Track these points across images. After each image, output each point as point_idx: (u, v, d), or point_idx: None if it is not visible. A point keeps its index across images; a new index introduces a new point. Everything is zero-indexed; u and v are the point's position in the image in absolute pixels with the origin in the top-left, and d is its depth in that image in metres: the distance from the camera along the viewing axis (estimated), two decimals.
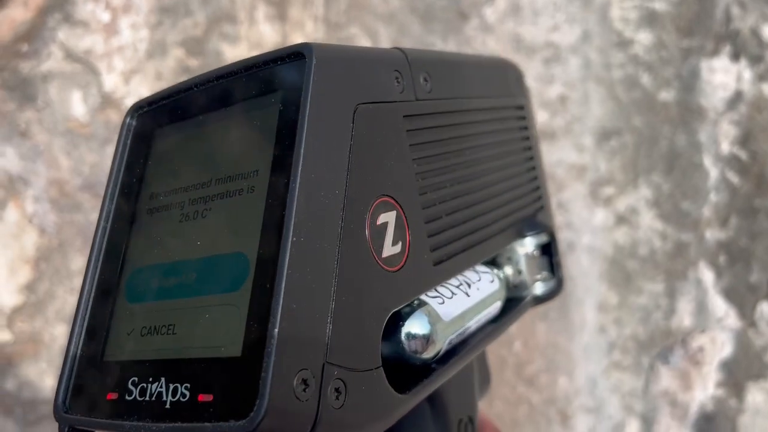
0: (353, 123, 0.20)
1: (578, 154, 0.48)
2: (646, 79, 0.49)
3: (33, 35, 0.45)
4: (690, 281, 0.49)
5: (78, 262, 0.45)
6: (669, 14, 0.48)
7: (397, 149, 0.21)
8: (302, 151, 0.19)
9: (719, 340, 0.48)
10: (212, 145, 0.22)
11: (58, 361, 0.44)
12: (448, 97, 0.24)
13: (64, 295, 0.44)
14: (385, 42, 0.46)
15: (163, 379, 0.19)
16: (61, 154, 0.45)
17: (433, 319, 0.21)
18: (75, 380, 0.21)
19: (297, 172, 0.19)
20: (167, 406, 0.19)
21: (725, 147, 0.49)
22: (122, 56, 0.45)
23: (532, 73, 0.47)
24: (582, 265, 0.48)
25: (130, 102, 0.45)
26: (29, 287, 0.45)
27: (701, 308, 0.49)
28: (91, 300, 0.22)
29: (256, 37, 0.46)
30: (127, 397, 0.19)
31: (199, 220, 0.21)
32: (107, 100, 0.45)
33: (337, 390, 0.18)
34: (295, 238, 0.18)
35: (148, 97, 0.23)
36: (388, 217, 0.20)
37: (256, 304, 0.18)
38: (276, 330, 0.17)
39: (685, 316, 0.49)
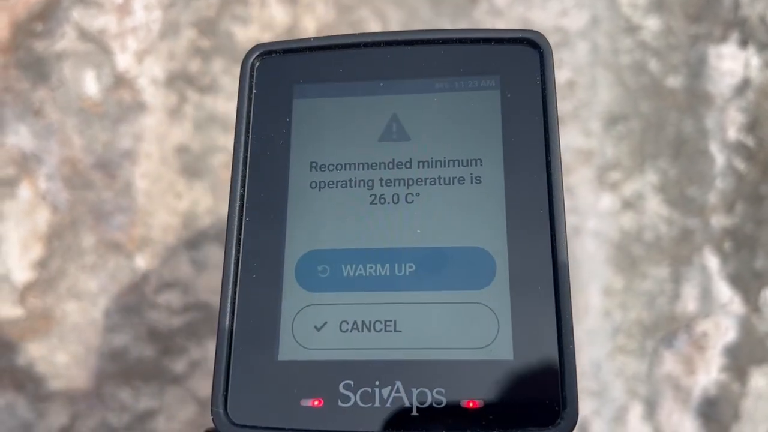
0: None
1: (585, 138, 0.48)
2: (653, 65, 0.49)
3: (47, 15, 0.46)
4: (695, 267, 0.50)
5: (89, 239, 0.45)
6: (677, 0, 0.49)
7: None
8: (556, 149, 0.18)
9: (723, 326, 0.49)
10: (402, 119, 0.19)
11: (70, 337, 0.45)
12: None
13: (75, 272, 0.45)
14: (394, 25, 0.47)
15: (398, 383, 0.17)
16: (74, 132, 0.46)
17: None
18: (240, 384, 0.18)
19: (556, 173, 0.18)
20: (414, 413, 0.17)
21: (732, 134, 0.49)
22: (135, 36, 0.46)
23: None
24: (587, 250, 0.49)
25: (143, 82, 0.45)
26: (41, 264, 0.46)
27: (706, 294, 0.49)
28: (239, 286, 0.18)
29: (267, 18, 0.46)
30: (341, 404, 0.17)
31: (403, 205, 0.19)
32: (120, 80, 0.46)
33: None
34: (563, 240, 0.17)
35: (272, 43, 0.20)
36: None
37: (522, 305, 0.17)
38: (572, 336, 0.16)
39: (689, 301, 0.49)
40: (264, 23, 0.46)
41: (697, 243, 0.49)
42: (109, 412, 0.45)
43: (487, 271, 0.18)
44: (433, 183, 0.19)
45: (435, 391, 0.17)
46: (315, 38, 0.20)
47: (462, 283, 0.18)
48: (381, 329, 0.18)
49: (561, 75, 0.48)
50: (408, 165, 0.19)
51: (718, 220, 0.49)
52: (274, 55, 0.20)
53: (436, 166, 0.19)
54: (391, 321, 0.18)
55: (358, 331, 0.18)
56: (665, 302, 0.48)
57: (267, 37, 0.46)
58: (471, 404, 0.16)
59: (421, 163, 0.19)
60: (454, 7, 0.47)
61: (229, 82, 0.45)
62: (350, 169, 0.19)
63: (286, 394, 0.17)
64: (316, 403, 0.17)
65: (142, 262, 0.45)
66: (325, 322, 0.18)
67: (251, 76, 0.20)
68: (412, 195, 0.19)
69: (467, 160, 0.19)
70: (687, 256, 0.48)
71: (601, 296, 0.48)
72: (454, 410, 0.16)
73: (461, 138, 0.19)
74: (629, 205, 0.49)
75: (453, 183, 0.19)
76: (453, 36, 0.19)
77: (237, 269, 0.18)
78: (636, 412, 0.48)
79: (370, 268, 0.18)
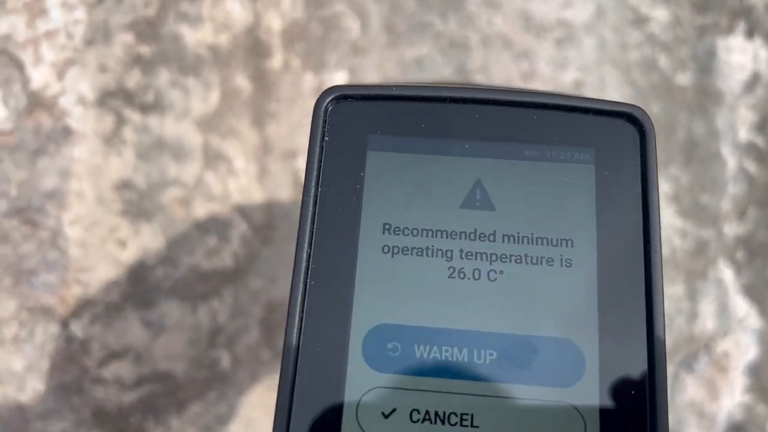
0: None
1: None
2: (663, 60, 0.44)
3: None
4: (710, 281, 0.46)
5: (8, 306, 0.36)
6: None
7: None
8: (657, 236, 0.17)
9: (743, 343, 0.46)
10: (487, 185, 0.19)
11: None
12: None
13: None
14: (375, 21, 0.40)
15: None
16: None
17: None
18: None
19: (655, 260, 0.17)
20: None
21: (743, 134, 0.46)
22: (52, 43, 0.36)
23: (543, 55, 0.42)
24: None
25: (66, 101, 0.36)
26: None
27: (723, 307, 0.46)
28: (299, 359, 0.17)
29: (222, 17, 0.38)
30: None
31: (484, 282, 0.18)
32: (36, 100, 0.36)
33: None
34: (662, 336, 0.17)
35: (348, 86, 0.20)
36: None
37: (613, 412, 0.16)
38: None
39: (707, 319, 0.46)
40: (219, 22, 0.38)
41: (711, 255, 0.45)
42: None
43: (575, 367, 0.17)
44: (519, 261, 0.18)
45: None
46: (396, 86, 0.19)
47: (547, 379, 0.17)
48: (456, 423, 0.17)
49: (568, 75, 0.42)
50: (492, 238, 0.18)
51: (731, 228, 0.46)
52: (350, 99, 0.19)
53: (522, 243, 0.18)
54: (467, 414, 0.17)
55: (431, 422, 0.17)
56: (683, 322, 0.45)
57: (223, 40, 0.38)
58: None
59: (506, 237, 0.18)
60: (443, 0, 0.40)
61: (179, 97, 0.37)
62: (427, 236, 0.18)
63: None
64: None
65: (79, 328, 0.37)
66: (394, 409, 0.17)
67: (324, 122, 0.19)
68: (495, 272, 0.18)
69: (557, 240, 0.18)
70: (702, 270, 0.44)
71: None
72: None
73: (551, 214, 0.18)
74: None
75: (541, 263, 0.18)
76: (549, 101, 0.19)
77: (299, 340, 0.18)
78: None
79: (446, 351, 0.17)
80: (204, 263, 0.38)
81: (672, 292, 0.44)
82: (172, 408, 0.38)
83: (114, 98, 0.37)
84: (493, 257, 0.18)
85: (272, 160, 0.38)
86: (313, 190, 0.19)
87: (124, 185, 0.37)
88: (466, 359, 0.17)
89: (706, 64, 0.45)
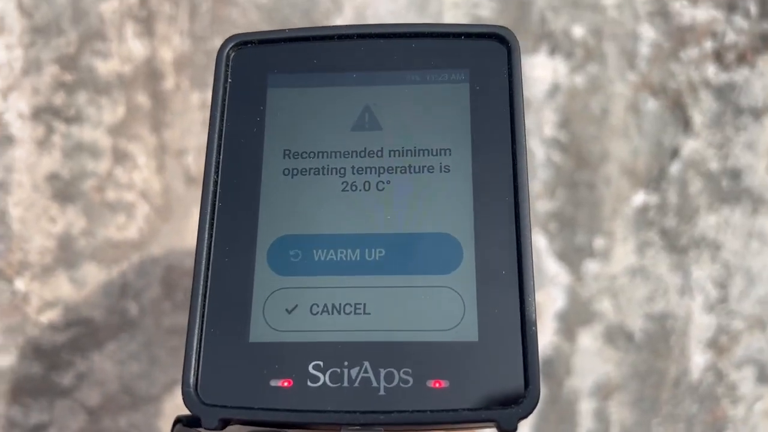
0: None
1: None
2: None
3: None
4: None
5: None
6: (493, 19, 0.57)
7: None
8: (522, 140, 0.19)
9: (553, 295, 0.57)
10: (374, 109, 0.20)
11: None
12: None
13: None
14: None
15: (366, 364, 0.17)
16: None
17: None
18: (211, 365, 0.18)
19: (521, 162, 0.18)
20: (381, 392, 0.17)
21: (548, 131, 0.58)
22: None
23: None
24: None
25: (9, 116, 0.49)
26: None
27: (537, 269, 0.57)
28: (211, 269, 0.18)
29: (126, 52, 0.51)
30: (310, 384, 0.17)
31: (374, 192, 0.19)
32: None
33: None
34: (527, 226, 0.18)
35: (247, 33, 0.21)
36: None
37: (487, 289, 0.18)
38: (535, 319, 0.17)
39: None
40: (123, 57, 0.50)
41: None
42: None
43: (454, 256, 0.18)
44: (403, 171, 0.19)
45: (402, 371, 0.17)
46: (290, 29, 0.21)
47: (430, 268, 0.18)
48: (351, 312, 0.18)
49: None
50: (379, 154, 0.20)
51: (543, 205, 0.57)
52: (249, 45, 0.21)
53: (406, 155, 0.19)
54: (360, 304, 0.18)
55: (328, 313, 0.18)
56: None
57: (128, 69, 0.50)
58: (437, 384, 0.17)
59: (392, 152, 0.20)
60: None
61: (94, 112, 0.49)
62: (323, 157, 0.20)
63: (257, 374, 0.18)
64: (285, 383, 0.17)
65: (21, 284, 0.48)
66: (296, 305, 0.18)
67: (227, 66, 0.20)
68: (383, 183, 0.19)
69: (437, 150, 0.19)
70: None
71: None
72: (420, 390, 0.17)
73: (431, 128, 0.20)
74: None
75: (423, 171, 0.19)
76: (425, 30, 0.20)
77: (210, 253, 0.19)
78: None
79: (341, 252, 0.19)
80: (116, 235, 0.49)
81: None
82: (94, 346, 0.48)
83: (45, 113, 0.49)
84: (381, 170, 0.19)
85: (168, 157, 0.50)
86: (217, 126, 0.20)
87: (53, 177, 0.48)
88: (358, 258, 0.18)
89: None
